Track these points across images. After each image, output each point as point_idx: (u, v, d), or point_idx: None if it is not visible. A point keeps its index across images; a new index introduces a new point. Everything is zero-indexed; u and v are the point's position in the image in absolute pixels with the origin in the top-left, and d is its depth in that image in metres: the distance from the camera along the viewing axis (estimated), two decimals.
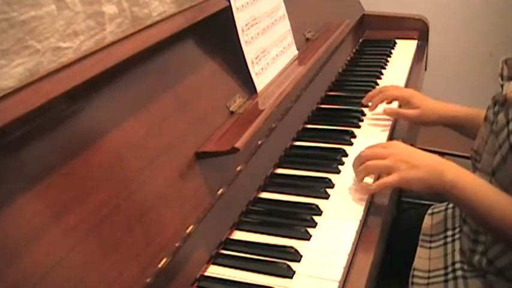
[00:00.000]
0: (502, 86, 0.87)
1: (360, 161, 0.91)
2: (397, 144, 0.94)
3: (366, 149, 0.94)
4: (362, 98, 1.30)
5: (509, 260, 0.84)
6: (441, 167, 0.84)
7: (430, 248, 1.00)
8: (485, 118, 0.91)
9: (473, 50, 2.13)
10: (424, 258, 0.98)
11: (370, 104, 1.22)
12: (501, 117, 0.83)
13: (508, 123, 0.81)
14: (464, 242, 0.92)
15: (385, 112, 1.17)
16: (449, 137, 1.15)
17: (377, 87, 1.31)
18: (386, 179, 0.86)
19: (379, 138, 1.11)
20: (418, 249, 1.00)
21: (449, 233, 1.00)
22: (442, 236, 1.01)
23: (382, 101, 1.19)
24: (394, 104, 1.22)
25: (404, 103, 1.18)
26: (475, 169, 0.92)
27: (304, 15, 1.37)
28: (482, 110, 0.99)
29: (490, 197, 0.81)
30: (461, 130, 1.11)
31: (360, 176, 0.91)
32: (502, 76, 0.89)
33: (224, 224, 0.83)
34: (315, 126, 1.17)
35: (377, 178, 0.91)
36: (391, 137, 1.14)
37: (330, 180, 0.94)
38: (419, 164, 0.85)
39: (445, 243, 0.99)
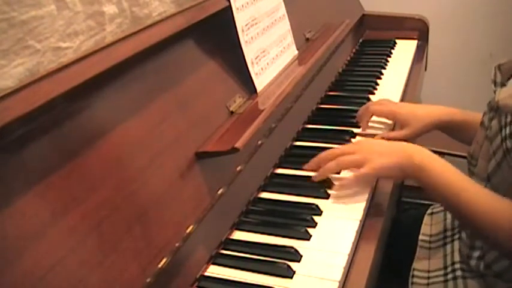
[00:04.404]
0: (495, 92, 0.88)
1: (328, 158, 0.91)
2: (364, 140, 0.97)
3: (333, 148, 0.94)
4: (362, 98, 1.30)
5: (507, 264, 0.84)
6: (410, 151, 0.86)
7: (429, 248, 1.00)
8: (481, 123, 0.91)
9: (473, 50, 2.13)
10: (424, 259, 0.98)
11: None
12: (495, 123, 0.84)
13: (501, 129, 0.81)
14: (462, 247, 0.93)
15: (377, 139, 1.11)
16: (448, 137, 1.14)
17: (367, 103, 1.22)
18: (360, 171, 0.87)
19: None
20: (418, 250, 1.00)
21: (449, 233, 1.00)
22: (441, 236, 1.01)
23: (369, 119, 1.14)
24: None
25: (391, 119, 1.15)
26: (471, 174, 0.92)
27: (304, 15, 1.37)
28: (476, 113, 0.98)
29: (457, 180, 0.82)
30: (454, 134, 1.10)
31: (330, 171, 0.91)
32: (495, 82, 0.89)
33: (224, 224, 0.83)
34: (315, 126, 1.17)
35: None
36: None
37: (330, 180, 0.94)
38: (389, 151, 0.87)
39: (445, 244, 0.99)
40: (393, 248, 1.01)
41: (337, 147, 0.95)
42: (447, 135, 1.11)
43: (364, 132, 1.13)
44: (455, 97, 1.94)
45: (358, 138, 1.11)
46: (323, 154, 0.93)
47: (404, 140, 1.12)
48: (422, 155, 0.85)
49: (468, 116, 1.06)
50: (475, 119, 1.00)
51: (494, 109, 0.85)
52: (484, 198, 0.79)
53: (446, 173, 0.83)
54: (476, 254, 0.88)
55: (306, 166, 0.95)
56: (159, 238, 0.68)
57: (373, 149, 0.89)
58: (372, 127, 1.15)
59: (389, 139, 1.10)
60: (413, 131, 1.08)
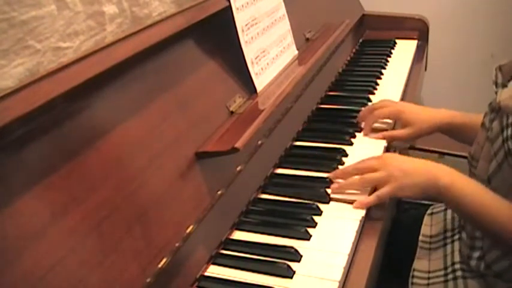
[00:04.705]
0: (496, 93, 0.88)
1: (353, 173, 0.91)
2: (388, 155, 0.96)
3: (356, 162, 0.93)
4: (362, 98, 1.30)
5: (507, 264, 0.84)
6: (435, 172, 0.85)
7: (429, 249, 1.00)
8: (482, 124, 0.90)
9: (474, 50, 2.13)
10: (424, 260, 0.98)
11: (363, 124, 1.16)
12: (496, 124, 0.84)
13: (502, 130, 0.81)
14: (463, 248, 0.93)
15: (379, 138, 1.11)
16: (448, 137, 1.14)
17: (369, 104, 1.24)
18: (382, 190, 0.86)
19: (379, 140, 1.10)
20: (418, 250, 1.00)
21: (449, 234, 1.00)
22: (441, 237, 1.01)
23: (373, 123, 1.14)
24: None
25: (394, 119, 1.15)
26: (471, 174, 0.92)
27: (304, 15, 1.37)
28: (478, 115, 0.98)
29: (484, 199, 0.81)
30: (456, 136, 1.10)
31: (353, 187, 0.90)
32: (496, 83, 0.89)
33: (224, 224, 0.83)
34: (315, 126, 1.17)
35: (373, 189, 0.90)
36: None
37: (330, 180, 0.94)
38: (413, 170, 0.86)
39: (445, 244, 0.99)
40: (393, 248, 1.01)
41: (362, 161, 0.93)
42: (449, 137, 1.11)
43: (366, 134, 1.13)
44: (456, 97, 1.94)
45: (358, 138, 1.11)
46: (349, 168, 0.93)
47: (406, 139, 1.13)
48: (448, 177, 0.84)
49: (468, 118, 1.06)
50: (474, 120, 1.00)
51: (496, 110, 0.85)
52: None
53: (472, 195, 0.82)
54: (477, 254, 0.88)
55: (331, 175, 0.95)
56: (159, 238, 0.68)
57: (398, 167, 0.87)
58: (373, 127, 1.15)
59: (390, 137, 1.11)
60: (416, 131, 1.09)
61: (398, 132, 1.12)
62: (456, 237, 0.98)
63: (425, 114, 1.10)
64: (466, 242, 0.91)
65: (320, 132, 1.14)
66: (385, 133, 1.11)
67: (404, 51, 1.63)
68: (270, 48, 1.08)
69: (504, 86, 0.87)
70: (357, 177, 0.91)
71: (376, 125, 1.15)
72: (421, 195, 0.85)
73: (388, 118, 1.15)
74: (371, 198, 0.87)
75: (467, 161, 0.96)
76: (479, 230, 0.87)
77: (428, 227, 1.04)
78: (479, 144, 0.90)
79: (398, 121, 1.15)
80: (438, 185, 0.83)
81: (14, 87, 0.57)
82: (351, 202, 0.89)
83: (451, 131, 1.09)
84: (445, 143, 1.38)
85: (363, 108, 1.19)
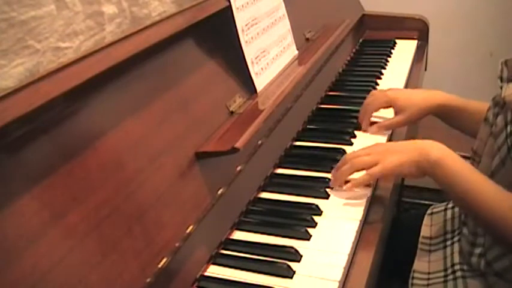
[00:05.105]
0: (501, 87, 0.87)
1: (343, 164, 0.91)
2: (378, 143, 0.96)
3: (346, 155, 0.94)
4: (362, 98, 1.29)
5: (508, 262, 0.83)
6: (426, 147, 0.85)
7: (429, 251, 1.00)
8: (485, 119, 0.90)
9: (473, 49, 2.13)
10: (424, 261, 0.98)
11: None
12: (500, 119, 0.83)
13: (506, 125, 0.81)
14: (464, 243, 0.92)
15: (374, 132, 1.11)
16: (450, 137, 1.14)
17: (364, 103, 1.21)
18: (372, 169, 0.86)
19: (379, 138, 1.10)
20: (418, 252, 1.00)
21: (449, 236, 1.00)
22: (441, 239, 1.00)
23: (369, 120, 1.13)
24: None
25: (390, 106, 1.14)
26: None
27: (304, 15, 1.37)
28: (476, 102, 0.98)
29: (473, 177, 0.81)
30: (450, 121, 1.09)
31: (345, 174, 0.90)
32: (501, 78, 0.88)
33: (224, 224, 0.83)
34: (315, 126, 1.17)
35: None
36: (391, 137, 1.14)
37: (330, 180, 0.94)
38: (402, 149, 0.86)
39: (445, 247, 0.98)
40: (393, 248, 1.01)
41: (351, 152, 0.93)
42: (444, 122, 1.10)
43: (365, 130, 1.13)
44: None
45: (358, 138, 1.11)
46: (339, 163, 0.93)
47: (400, 126, 1.12)
48: (439, 152, 0.84)
49: (464, 102, 1.05)
50: (472, 106, 1.00)
51: (500, 105, 0.85)
52: (501, 199, 0.78)
53: (462, 171, 0.82)
54: (478, 250, 0.87)
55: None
56: (159, 238, 0.68)
57: (386, 149, 0.88)
58: (373, 122, 1.14)
59: (384, 127, 1.11)
60: (408, 116, 1.09)
61: (392, 120, 1.11)
62: (456, 238, 0.98)
63: (416, 98, 1.09)
64: (468, 238, 0.90)
65: (320, 132, 1.14)
66: (378, 124, 1.11)
67: (404, 51, 1.63)
68: (270, 48, 1.08)
69: (509, 80, 0.87)
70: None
71: (378, 120, 1.14)
72: (417, 171, 0.85)
73: (382, 108, 1.14)
74: (363, 177, 0.87)
75: (469, 160, 0.96)
76: (470, 215, 0.86)
77: (428, 227, 1.04)
78: (482, 140, 0.89)
79: (393, 108, 1.14)
80: (429, 159, 0.83)
81: (13, 87, 0.57)
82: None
83: (443, 114, 1.08)
84: (445, 144, 1.38)
85: None
